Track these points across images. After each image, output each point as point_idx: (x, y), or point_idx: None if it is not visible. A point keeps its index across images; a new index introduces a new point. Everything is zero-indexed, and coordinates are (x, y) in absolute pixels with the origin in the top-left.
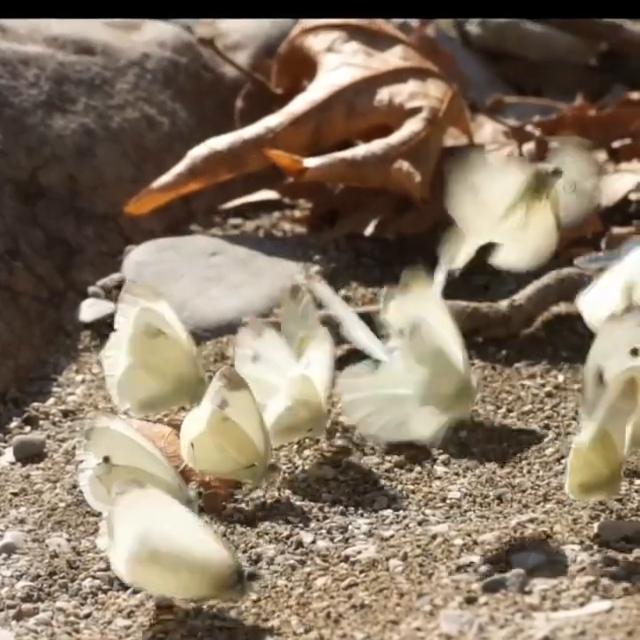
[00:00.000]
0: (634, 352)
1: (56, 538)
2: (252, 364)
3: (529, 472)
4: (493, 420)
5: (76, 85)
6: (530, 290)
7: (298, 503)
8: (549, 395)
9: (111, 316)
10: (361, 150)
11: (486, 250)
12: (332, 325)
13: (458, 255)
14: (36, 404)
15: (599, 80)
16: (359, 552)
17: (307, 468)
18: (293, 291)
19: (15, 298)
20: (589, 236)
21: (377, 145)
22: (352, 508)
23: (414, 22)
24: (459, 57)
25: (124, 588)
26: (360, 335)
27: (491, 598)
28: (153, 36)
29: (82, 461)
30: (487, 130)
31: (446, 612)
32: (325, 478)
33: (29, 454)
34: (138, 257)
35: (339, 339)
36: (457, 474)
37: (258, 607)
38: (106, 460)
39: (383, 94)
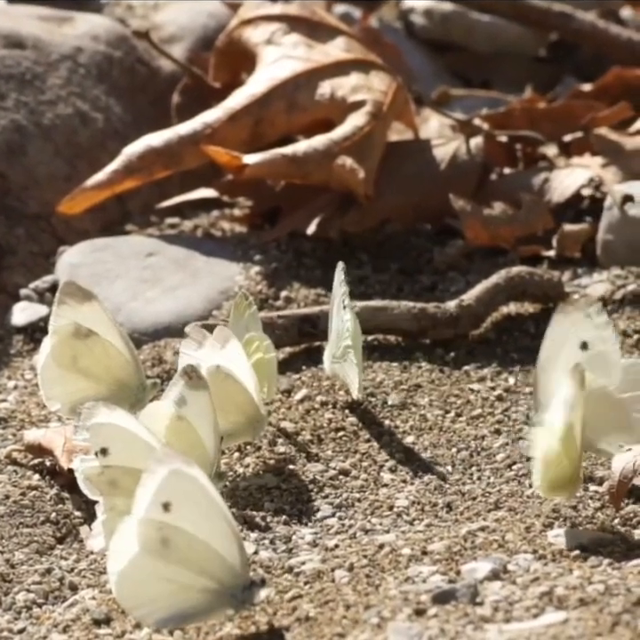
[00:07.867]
0: (583, 345)
1: None
2: None
3: (479, 479)
4: (442, 424)
5: (5, 81)
6: (478, 289)
7: (239, 513)
8: (500, 398)
9: (44, 320)
10: (302, 146)
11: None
12: (273, 329)
13: None
14: None
15: (549, 71)
16: (303, 563)
17: (248, 475)
18: (240, 298)
19: None
20: (540, 233)
21: (319, 140)
22: (296, 518)
23: (357, 13)
24: (403, 48)
25: (59, 601)
26: None
27: (440, 610)
28: (86, 29)
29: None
30: (433, 124)
31: (394, 625)
32: (267, 487)
33: None
34: (71, 258)
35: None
36: (404, 481)
37: None
38: (103, 451)
39: (325, 88)
